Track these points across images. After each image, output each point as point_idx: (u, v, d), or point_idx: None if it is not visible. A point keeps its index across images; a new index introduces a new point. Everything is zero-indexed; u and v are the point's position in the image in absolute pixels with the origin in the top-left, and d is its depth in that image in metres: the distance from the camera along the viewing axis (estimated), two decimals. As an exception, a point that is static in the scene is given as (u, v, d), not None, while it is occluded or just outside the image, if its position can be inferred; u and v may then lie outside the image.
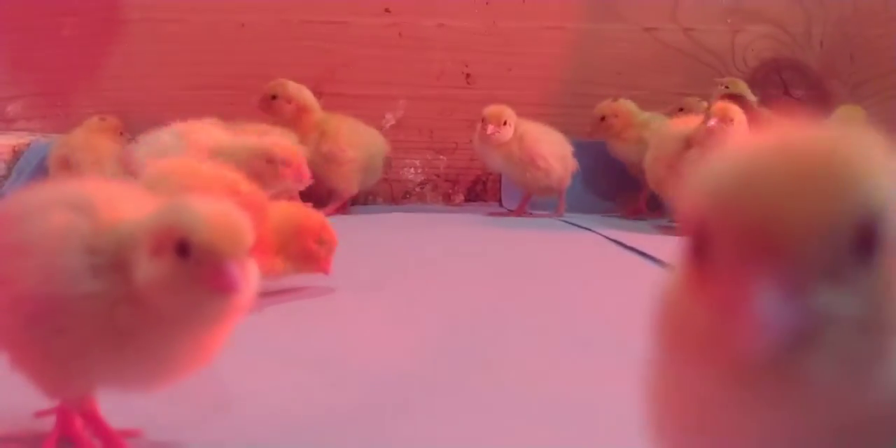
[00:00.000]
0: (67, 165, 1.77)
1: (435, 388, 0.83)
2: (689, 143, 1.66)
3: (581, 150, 1.96)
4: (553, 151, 1.90)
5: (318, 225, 1.10)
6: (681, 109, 2.01)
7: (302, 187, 1.37)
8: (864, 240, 0.31)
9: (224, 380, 0.83)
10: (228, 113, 1.90)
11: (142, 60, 2.04)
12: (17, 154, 1.97)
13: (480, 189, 2.22)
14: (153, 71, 2.04)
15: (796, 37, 2.30)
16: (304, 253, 1.09)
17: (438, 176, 2.21)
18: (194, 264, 0.54)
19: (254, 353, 0.91)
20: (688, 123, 1.70)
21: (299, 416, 0.76)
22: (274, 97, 1.88)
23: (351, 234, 1.50)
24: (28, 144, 1.98)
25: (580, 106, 2.21)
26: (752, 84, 2.26)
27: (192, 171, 1.08)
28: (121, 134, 1.85)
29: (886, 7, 2.35)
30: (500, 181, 2.16)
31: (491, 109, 1.87)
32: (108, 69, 1.90)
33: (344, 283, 1.23)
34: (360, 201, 2.14)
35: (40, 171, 1.84)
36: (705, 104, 1.82)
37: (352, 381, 0.85)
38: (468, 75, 2.19)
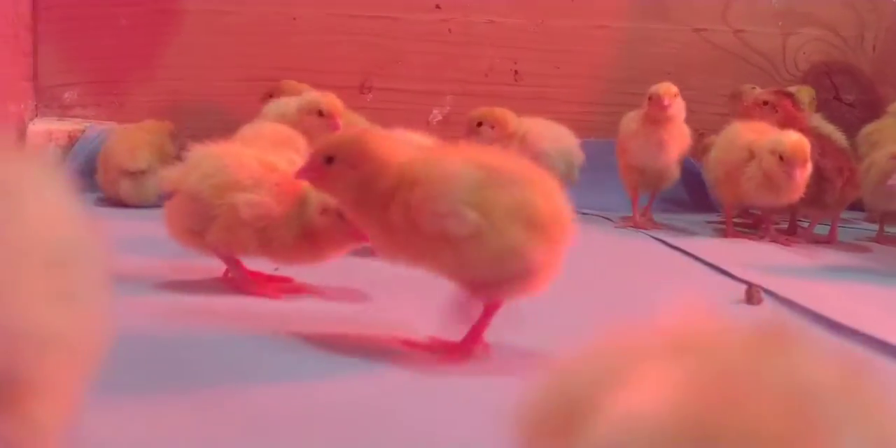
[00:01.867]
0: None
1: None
2: (751, 153, 1.66)
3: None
4: (556, 147, 1.87)
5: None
6: (733, 96, 2.00)
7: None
8: None
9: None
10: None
11: (195, 51, 2.07)
12: (72, 140, 2.01)
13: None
14: (206, 61, 2.07)
15: (848, 41, 2.29)
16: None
17: (484, 171, 2.21)
18: None
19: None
20: (753, 130, 1.70)
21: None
22: (271, 95, 1.81)
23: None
24: (83, 131, 2.02)
25: (627, 105, 2.20)
26: (803, 87, 2.25)
27: (235, 153, 1.11)
28: (173, 137, 1.84)
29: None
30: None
31: (480, 112, 1.83)
32: (163, 59, 1.94)
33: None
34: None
35: (93, 157, 1.87)
36: (758, 90, 1.81)
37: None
38: (516, 72, 2.20)
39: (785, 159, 1.58)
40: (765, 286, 1.30)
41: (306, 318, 1.01)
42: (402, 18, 2.15)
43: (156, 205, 1.58)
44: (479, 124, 1.83)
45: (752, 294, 1.27)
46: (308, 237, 1.06)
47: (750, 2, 2.26)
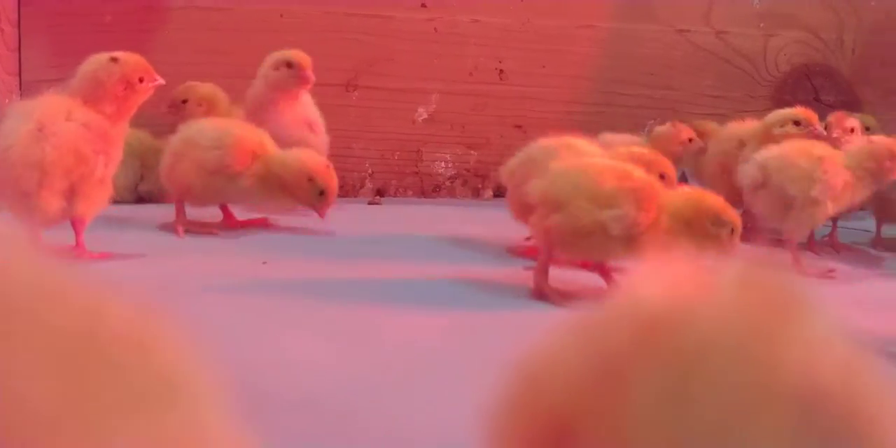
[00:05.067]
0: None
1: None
2: (742, 142, 1.69)
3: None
4: None
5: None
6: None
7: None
8: None
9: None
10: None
11: (183, 48, 2.07)
12: (57, 136, 2.00)
13: (510, 185, 2.24)
14: (194, 59, 2.07)
15: (828, 43, 2.31)
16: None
17: (468, 171, 2.23)
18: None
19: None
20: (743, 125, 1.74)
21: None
22: (185, 101, 1.85)
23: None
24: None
25: (612, 105, 2.23)
26: (783, 89, 2.28)
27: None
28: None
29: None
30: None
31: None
32: (150, 56, 1.92)
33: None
34: (391, 193, 2.17)
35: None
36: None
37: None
38: (501, 71, 2.22)
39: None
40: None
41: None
42: (387, 17, 2.16)
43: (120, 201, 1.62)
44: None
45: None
46: None
47: (732, 3, 2.28)
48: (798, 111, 1.65)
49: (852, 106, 2.16)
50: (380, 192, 2.15)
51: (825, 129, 1.65)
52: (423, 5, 2.17)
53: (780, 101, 2.17)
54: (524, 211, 1.40)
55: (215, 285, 1.21)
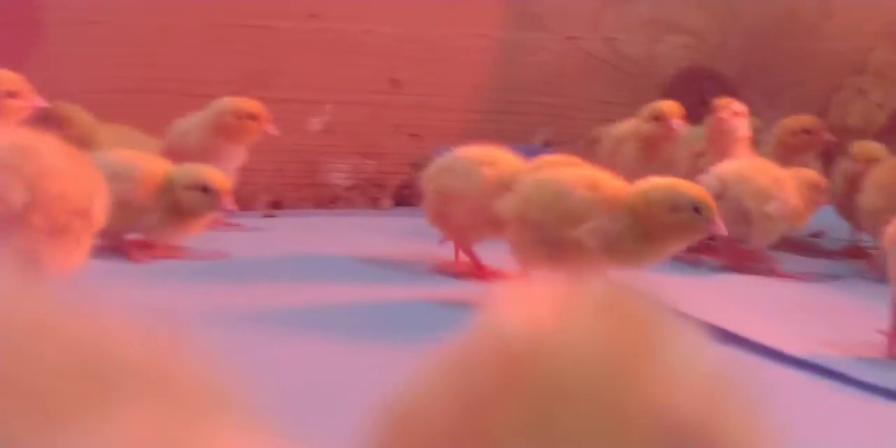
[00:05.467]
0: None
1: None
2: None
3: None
4: None
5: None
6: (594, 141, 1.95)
7: None
8: None
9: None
10: (150, 117, 1.88)
11: (60, 63, 1.99)
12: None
13: (408, 193, 2.23)
14: (72, 74, 1.99)
15: (713, 47, 2.38)
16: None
17: (366, 180, 2.21)
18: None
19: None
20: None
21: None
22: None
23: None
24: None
25: (507, 113, 2.24)
26: (671, 93, 2.33)
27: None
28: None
29: (799, 18, 2.44)
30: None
31: None
32: (25, 72, 1.85)
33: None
34: (288, 205, 2.13)
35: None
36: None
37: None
38: (395, 81, 2.20)
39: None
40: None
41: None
42: (273, 27, 2.12)
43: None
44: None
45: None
46: None
47: (619, 10, 2.32)
48: (659, 105, 1.69)
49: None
50: (275, 205, 2.11)
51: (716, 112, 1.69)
52: (313, 15, 2.14)
53: (669, 104, 2.22)
54: (442, 219, 1.41)
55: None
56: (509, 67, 2.26)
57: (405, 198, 2.21)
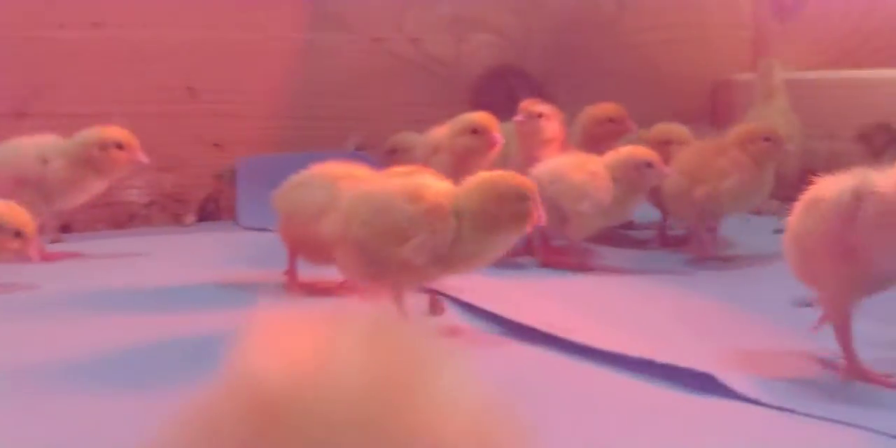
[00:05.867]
0: None
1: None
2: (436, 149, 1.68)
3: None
4: None
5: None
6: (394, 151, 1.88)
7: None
8: None
9: None
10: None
11: None
12: None
13: (213, 207, 2.11)
14: None
15: (517, 45, 2.38)
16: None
17: (165, 196, 2.08)
18: None
19: None
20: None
21: None
22: None
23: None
24: None
25: (311, 118, 2.16)
26: (480, 92, 2.32)
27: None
28: None
29: (600, 14, 2.49)
30: (235, 198, 2.07)
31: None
32: None
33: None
34: (80, 228, 1.97)
35: None
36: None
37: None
38: (191, 89, 2.09)
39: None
40: (448, 293, 1.30)
41: None
42: (56, 38, 1.97)
43: None
44: None
45: (434, 304, 1.26)
46: None
47: (423, 10, 2.29)
48: (476, 118, 1.64)
49: (545, 103, 2.21)
50: (65, 229, 1.95)
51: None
52: (95, 23, 2.00)
53: (479, 103, 2.20)
54: (299, 243, 1.33)
55: None
56: (313, 71, 2.18)
57: (210, 212, 2.10)
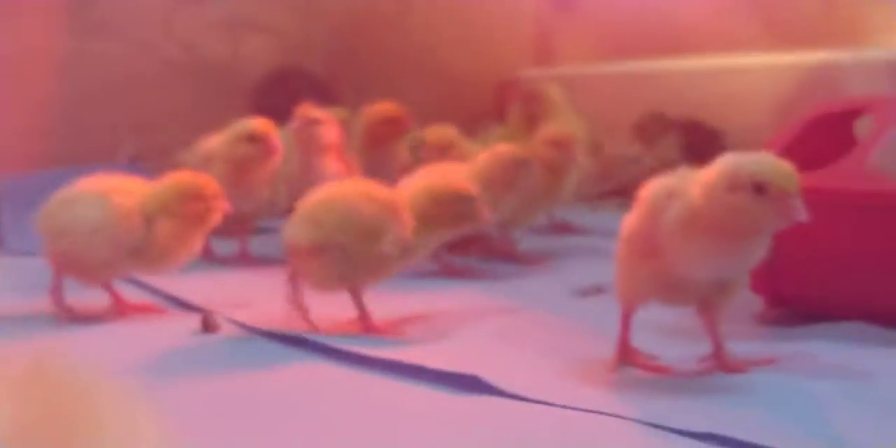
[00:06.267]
0: None
1: None
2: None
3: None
4: None
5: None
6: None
7: None
8: None
9: None
10: None
11: None
12: None
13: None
14: None
15: (299, 46, 2.31)
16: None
17: None
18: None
19: None
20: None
21: None
22: None
23: None
24: None
25: (80, 130, 2.01)
26: (261, 94, 2.23)
27: None
28: None
29: (380, 13, 2.45)
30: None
31: None
32: None
33: None
34: None
35: None
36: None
37: None
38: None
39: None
40: (224, 312, 1.23)
41: None
42: None
43: None
44: None
45: (209, 322, 1.18)
46: None
47: (194, 13, 2.18)
48: (253, 125, 1.56)
49: (331, 103, 2.16)
50: None
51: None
52: None
53: (260, 107, 2.11)
54: (67, 263, 1.24)
55: None
56: (79, 81, 2.03)
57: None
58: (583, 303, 1.27)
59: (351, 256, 1.12)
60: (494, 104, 2.55)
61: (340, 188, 1.19)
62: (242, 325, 1.17)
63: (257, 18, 2.26)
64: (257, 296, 1.32)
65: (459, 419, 0.85)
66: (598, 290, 1.29)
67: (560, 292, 1.32)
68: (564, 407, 0.85)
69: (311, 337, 1.09)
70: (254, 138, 1.55)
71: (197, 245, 1.27)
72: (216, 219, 1.26)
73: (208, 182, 1.26)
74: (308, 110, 1.63)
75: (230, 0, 2.24)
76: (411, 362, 0.98)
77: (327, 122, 1.64)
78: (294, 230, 1.14)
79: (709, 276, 0.89)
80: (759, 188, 0.82)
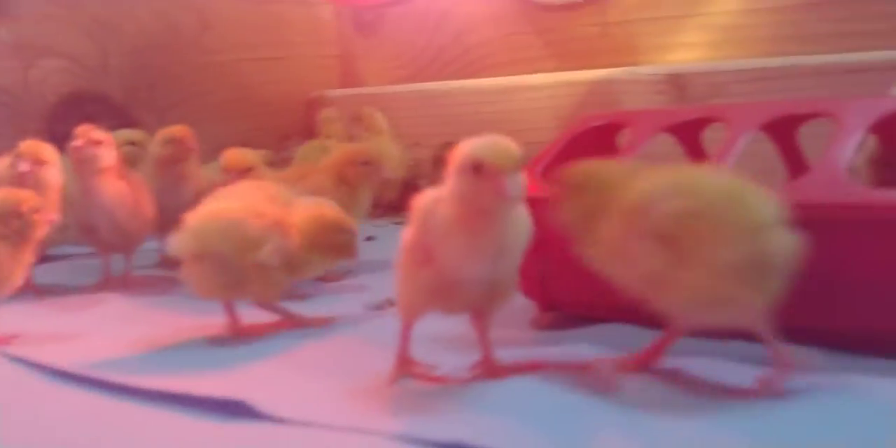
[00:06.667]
0: None
1: None
2: None
3: None
4: None
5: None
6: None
7: None
8: None
9: None
10: None
11: None
12: None
13: None
14: None
15: (94, 69, 2.27)
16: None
17: None
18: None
19: None
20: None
21: None
22: None
23: None
24: None
25: None
26: (55, 120, 2.17)
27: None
28: None
29: (180, 34, 2.44)
30: None
31: None
32: None
33: None
34: None
35: None
36: None
37: None
38: None
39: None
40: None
41: None
42: None
43: None
44: None
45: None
46: None
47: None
48: (24, 147, 1.50)
49: (129, 127, 2.12)
50: None
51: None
52: None
53: (55, 132, 2.06)
54: None
55: None
56: None
57: None
58: (375, 317, 1.28)
59: (231, 266, 1.14)
60: (303, 123, 2.59)
61: (227, 202, 1.21)
62: (12, 357, 1.14)
63: (49, 43, 2.20)
64: (30, 326, 1.28)
65: (218, 446, 0.84)
66: (390, 303, 1.30)
67: (355, 307, 1.33)
68: (326, 426, 0.84)
69: (76, 370, 1.06)
70: (21, 155, 1.49)
71: (27, 262, 1.23)
72: (40, 233, 1.23)
73: (26, 197, 1.23)
74: (87, 131, 1.58)
75: (19, 23, 2.17)
76: (178, 391, 0.95)
77: (107, 144, 1.59)
78: (176, 240, 1.16)
79: (475, 274, 0.90)
80: (476, 168, 0.84)
